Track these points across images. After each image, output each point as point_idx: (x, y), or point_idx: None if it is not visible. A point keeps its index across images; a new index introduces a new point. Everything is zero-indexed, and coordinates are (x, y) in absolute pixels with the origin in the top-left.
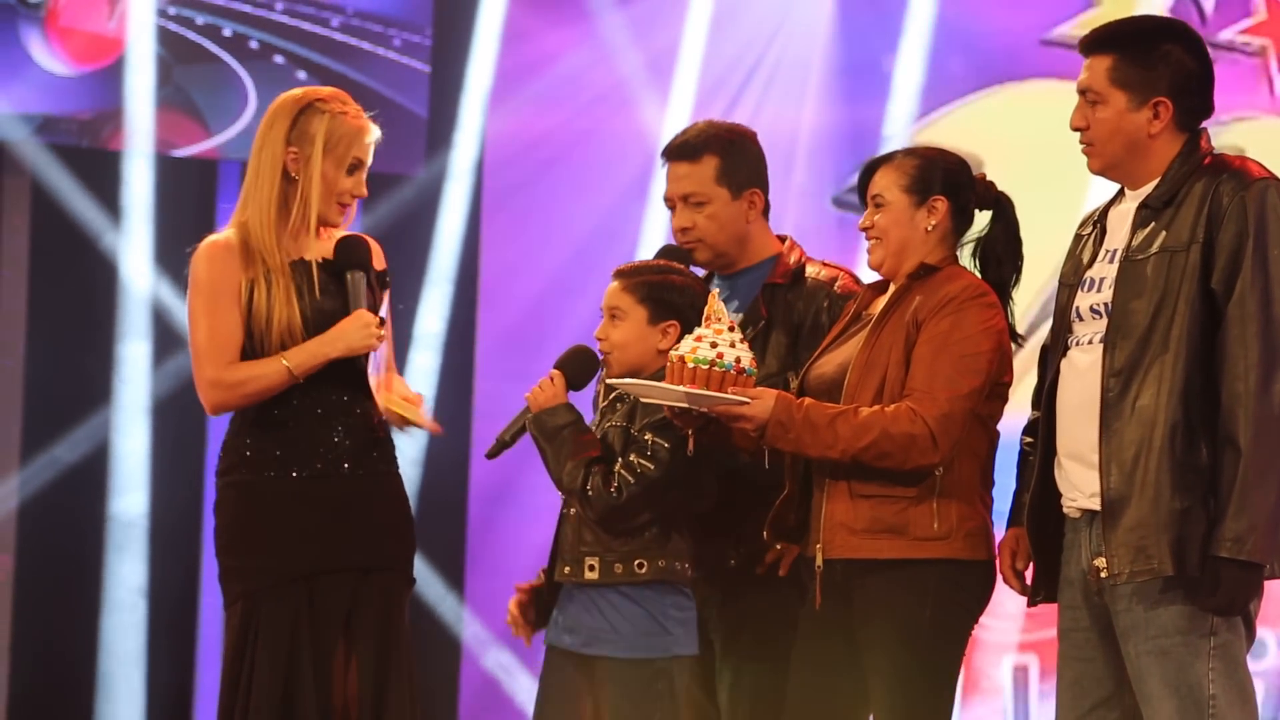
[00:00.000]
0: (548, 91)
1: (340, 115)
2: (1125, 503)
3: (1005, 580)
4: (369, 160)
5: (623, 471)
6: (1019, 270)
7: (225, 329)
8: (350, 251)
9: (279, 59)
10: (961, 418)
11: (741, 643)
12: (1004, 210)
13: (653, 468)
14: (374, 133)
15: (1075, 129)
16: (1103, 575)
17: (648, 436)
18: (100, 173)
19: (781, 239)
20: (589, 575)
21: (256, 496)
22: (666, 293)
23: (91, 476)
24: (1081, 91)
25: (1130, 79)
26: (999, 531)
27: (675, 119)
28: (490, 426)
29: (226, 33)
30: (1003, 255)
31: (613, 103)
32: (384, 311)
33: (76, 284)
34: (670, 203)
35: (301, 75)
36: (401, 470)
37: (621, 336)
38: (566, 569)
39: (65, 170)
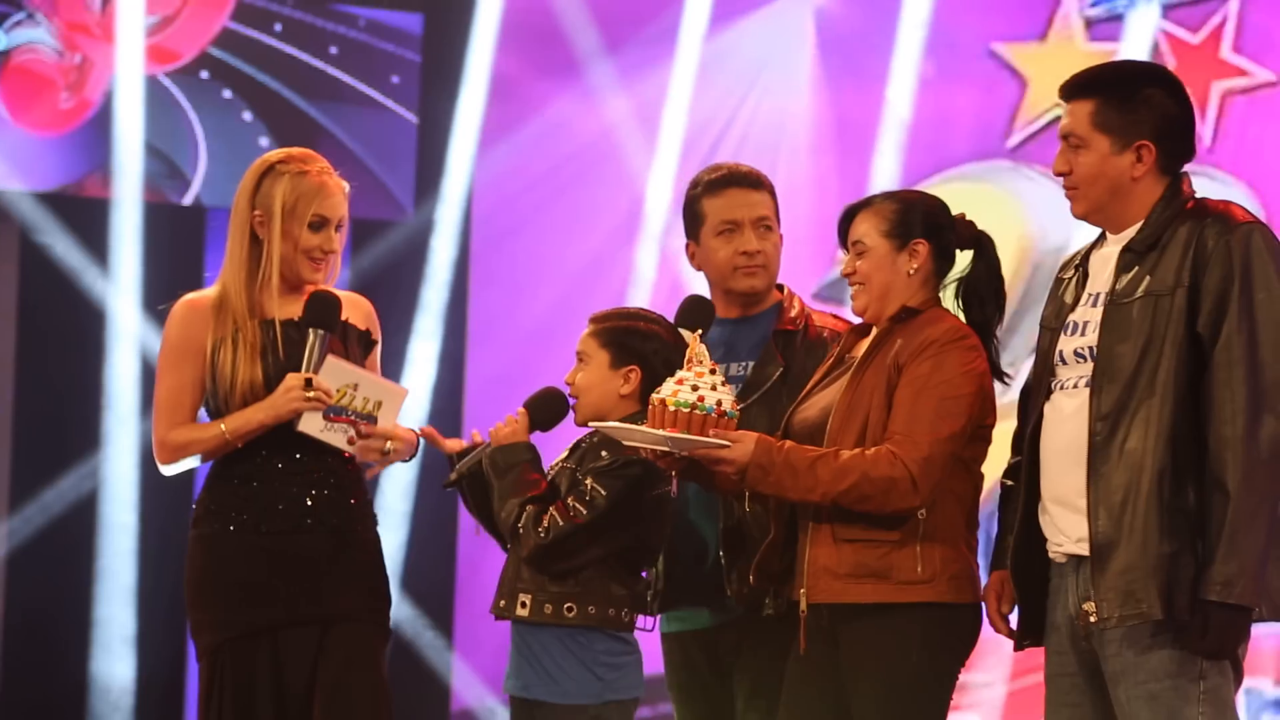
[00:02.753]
0: (536, 138)
1: (300, 175)
2: (1114, 547)
3: (992, 624)
4: (336, 215)
5: (554, 513)
6: (1002, 309)
7: (181, 390)
8: (313, 308)
9: (243, 108)
10: (942, 461)
11: (770, 687)
12: (985, 250)
13: (585, 512)
14: (339, 189)
15: (1058, 174)
16: (1092, 620)
17: (588, 482)
18: (88, 220)
19: (779, 287)
20: (520, 611)
21: (218, 550)
22: (628, 338)
23: (80, 523)
24: (1064, 137)
25: (1113, 123)
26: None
27: (662, 166)
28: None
29: (227, 94)
30: (985, 294)
31: (600, 149)
32: (344, 373)
33: (65, 330)
34: (737, 225)
35: (248, 117)
36: (392, 511)
37: (585, 381)
38: (502, 603)
39: (53, 218)
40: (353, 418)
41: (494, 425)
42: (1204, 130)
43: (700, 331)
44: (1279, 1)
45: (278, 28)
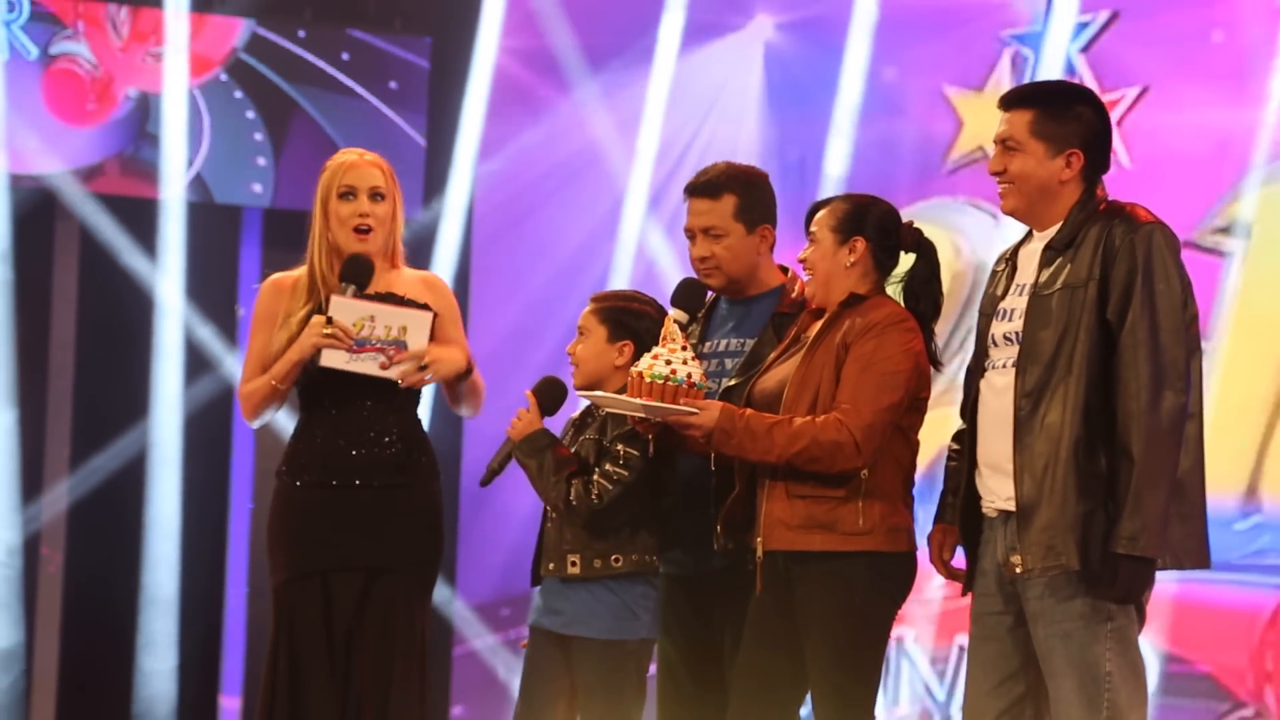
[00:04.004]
0: (529, 147)
1: (334, 160)
2: (1036, 507)
3: (935, 567)
4: (363, 184)
5: (601, 480)
6: (939, 305)
7: (257, 354)
8: (346, 267)
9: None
10: (883, 428)
11: None
12: (926, 253)
13: (627, 474)
14: (365, 162)
15: (993, 173)
16: (1018, 570)
17: (619, 447)
18: (140, 218)
19: (783, 269)
20: (571, 570)
21: (286, 499)
22: (625, 316)
23: (132, 481)
24: (1001, 141)
25: (1048, 132)
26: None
27: (638, 171)
28: (477, 438)
29: (250, 115)
30: (924, 291)
31: (585, 157)
32: (355, 308)
33: (119, 315)
34: (691, 234)
35: (260, 137)
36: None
37: (584, 352)
38: (550, 565)
39: (109, 216)
40: (380, 345)
41: (510, 423)
42: (1121, 158)
43: (682, 313)
44: (1170, 108)
45: (325, 65)
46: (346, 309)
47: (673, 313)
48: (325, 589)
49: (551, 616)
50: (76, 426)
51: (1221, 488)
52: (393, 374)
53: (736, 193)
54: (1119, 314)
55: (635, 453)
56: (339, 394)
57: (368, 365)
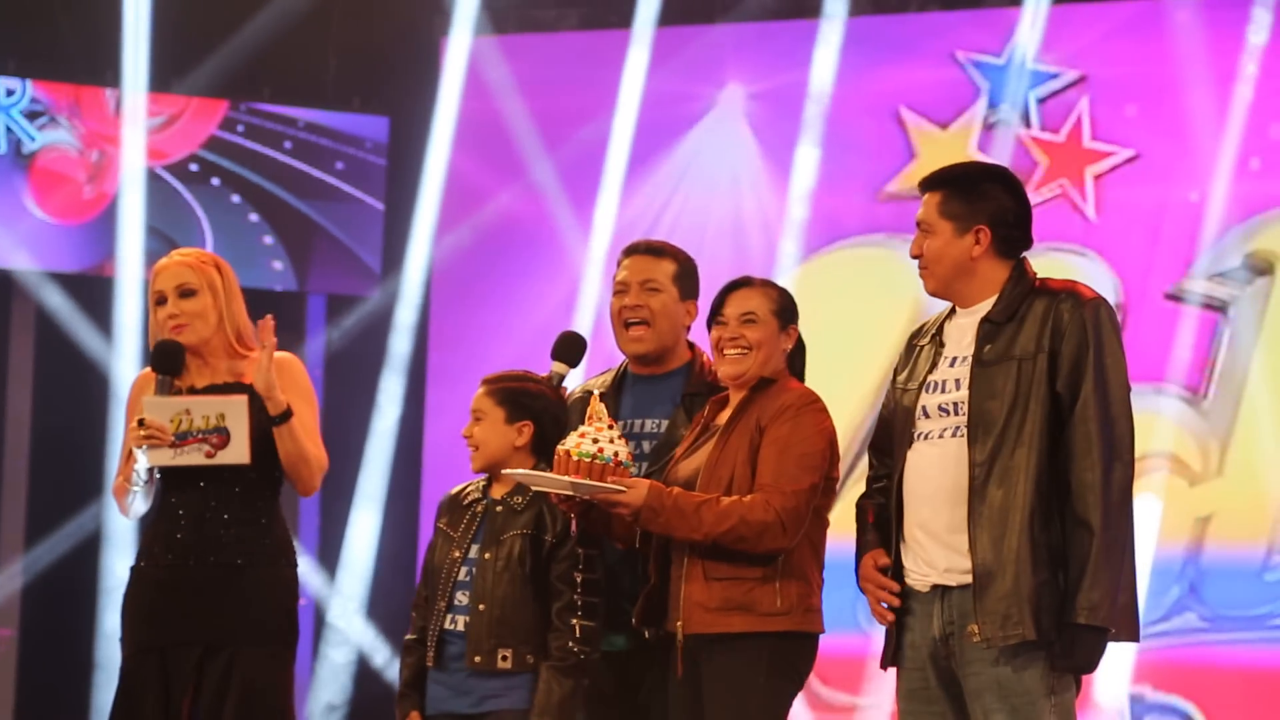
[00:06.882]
0: (487, 225)
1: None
2: (993, 577)
3: (870, 584)
4: (170, 285)
5: (581, 628)
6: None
7: (124, 447)
8: (153, 356)
9: (248, 210)
10: (805, 510)
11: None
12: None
13: (596, 607)
14: (165, 266)
15: (913, 257)
16: (975, 639)
17: (578, 578)
18: (95, 298)
19: (690, 346)
20: (501, 665)
21: (132, 580)
22: (521, 397)
23: (86, 560)
24: (918, 224)
25: (956, 211)
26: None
27: (596, 251)
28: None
29: (216, 181)
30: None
31: (541, 236)
32: (167, 405)
33: (74, 395)
34: (626, 286)
35: (241, 203)
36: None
37: (483, 434)
38: (477, 658)
39: (65, 296)
40: (201, 436)
41: None
42: (1087, 209)
43: (564, 366)
44: (1117, 92)
45: (287, 145)
46: (160, 407)
47: (554, 366)
48: (163, 664)
49: (461, 698)
50: (31, 505)
51: (1247, 539)
52: (218, 461)
53: (677, 260)
54: (1070, 388)
55: (595, 601)
56: (176, 477)
57: (193, 457)
